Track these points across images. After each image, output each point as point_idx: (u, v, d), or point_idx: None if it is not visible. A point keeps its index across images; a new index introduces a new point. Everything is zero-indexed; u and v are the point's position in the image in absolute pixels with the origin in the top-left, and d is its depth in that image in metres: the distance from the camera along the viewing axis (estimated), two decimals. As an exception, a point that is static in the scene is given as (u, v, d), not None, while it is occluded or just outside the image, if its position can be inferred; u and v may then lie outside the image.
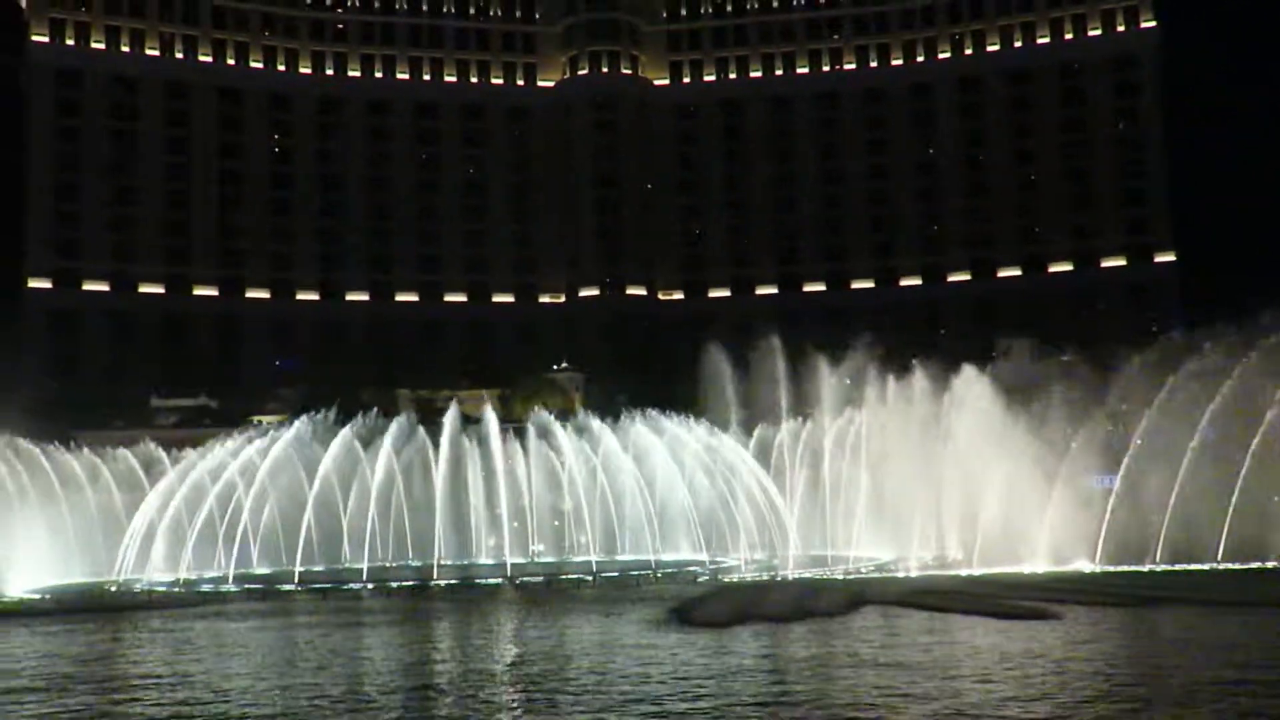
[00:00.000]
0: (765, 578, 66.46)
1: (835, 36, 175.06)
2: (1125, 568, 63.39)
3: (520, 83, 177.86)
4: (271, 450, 74.95)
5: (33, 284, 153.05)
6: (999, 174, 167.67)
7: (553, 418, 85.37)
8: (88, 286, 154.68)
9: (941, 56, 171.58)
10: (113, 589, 68.51)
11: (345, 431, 76.51)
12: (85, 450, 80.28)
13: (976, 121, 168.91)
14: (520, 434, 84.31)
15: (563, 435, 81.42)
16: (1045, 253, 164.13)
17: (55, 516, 76.13)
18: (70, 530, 76.67)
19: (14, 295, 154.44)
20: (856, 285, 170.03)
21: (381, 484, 76.25)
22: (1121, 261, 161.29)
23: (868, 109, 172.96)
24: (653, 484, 77.85)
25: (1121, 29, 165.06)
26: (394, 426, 78.18)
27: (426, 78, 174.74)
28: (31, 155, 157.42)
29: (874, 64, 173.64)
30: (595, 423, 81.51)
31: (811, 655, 33.51)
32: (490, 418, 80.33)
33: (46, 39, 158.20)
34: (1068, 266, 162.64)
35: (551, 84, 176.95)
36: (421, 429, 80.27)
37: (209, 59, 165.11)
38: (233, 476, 74.64)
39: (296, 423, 79.07)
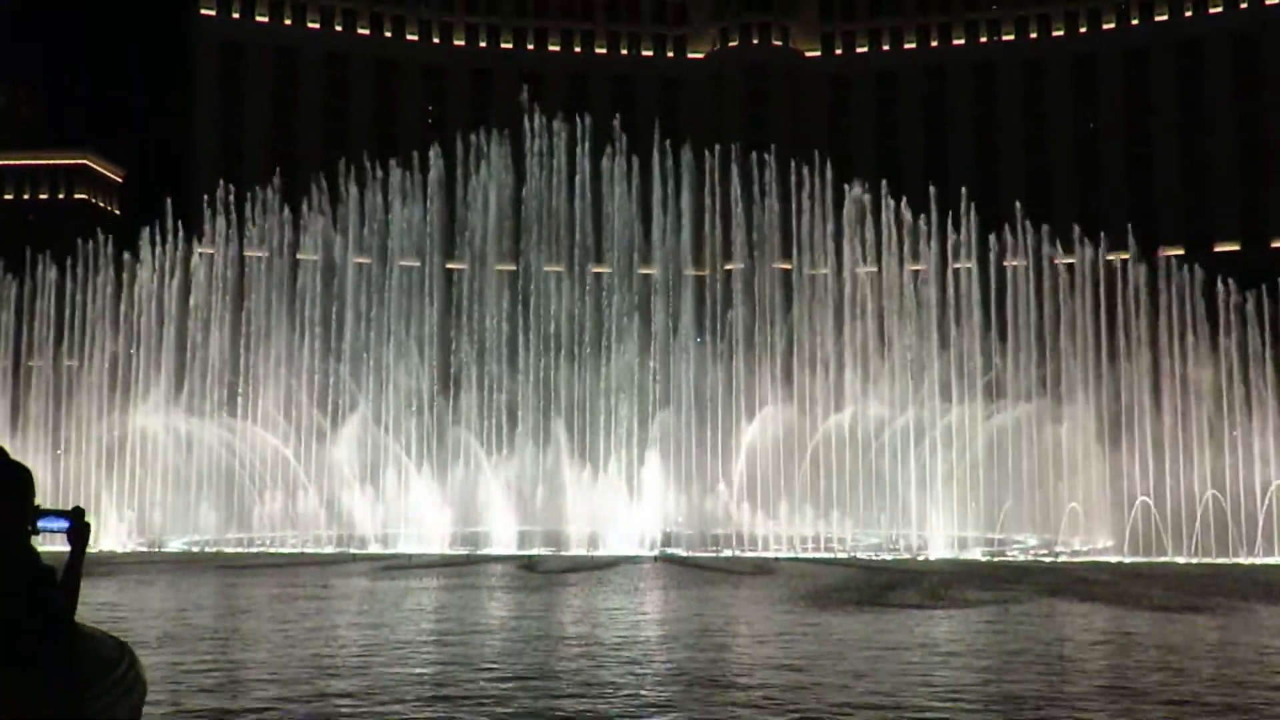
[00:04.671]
0: (909, 558, 65.96)
1: (994, 6, 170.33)
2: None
3: (670, 54, 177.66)
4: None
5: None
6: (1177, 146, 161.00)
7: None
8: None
9: (1106, 28, 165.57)
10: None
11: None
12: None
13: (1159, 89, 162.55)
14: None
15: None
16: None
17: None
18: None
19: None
20: (1009, 263, 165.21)
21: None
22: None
23: (1027, 81, 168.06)
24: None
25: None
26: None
27: (578, 50, 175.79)
28: None
29: (1034, 35, 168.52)
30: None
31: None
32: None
33: None
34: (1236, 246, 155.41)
35: (702, 55, 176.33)
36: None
37: None
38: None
39: None
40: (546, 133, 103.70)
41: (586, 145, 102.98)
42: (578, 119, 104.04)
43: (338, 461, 77.62)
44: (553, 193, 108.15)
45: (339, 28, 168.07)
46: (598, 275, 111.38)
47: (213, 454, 79.30)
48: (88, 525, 4.35)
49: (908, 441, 76.24)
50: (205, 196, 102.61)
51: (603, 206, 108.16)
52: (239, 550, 70.71)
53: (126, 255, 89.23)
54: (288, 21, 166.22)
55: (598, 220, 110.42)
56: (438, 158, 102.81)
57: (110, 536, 71.93)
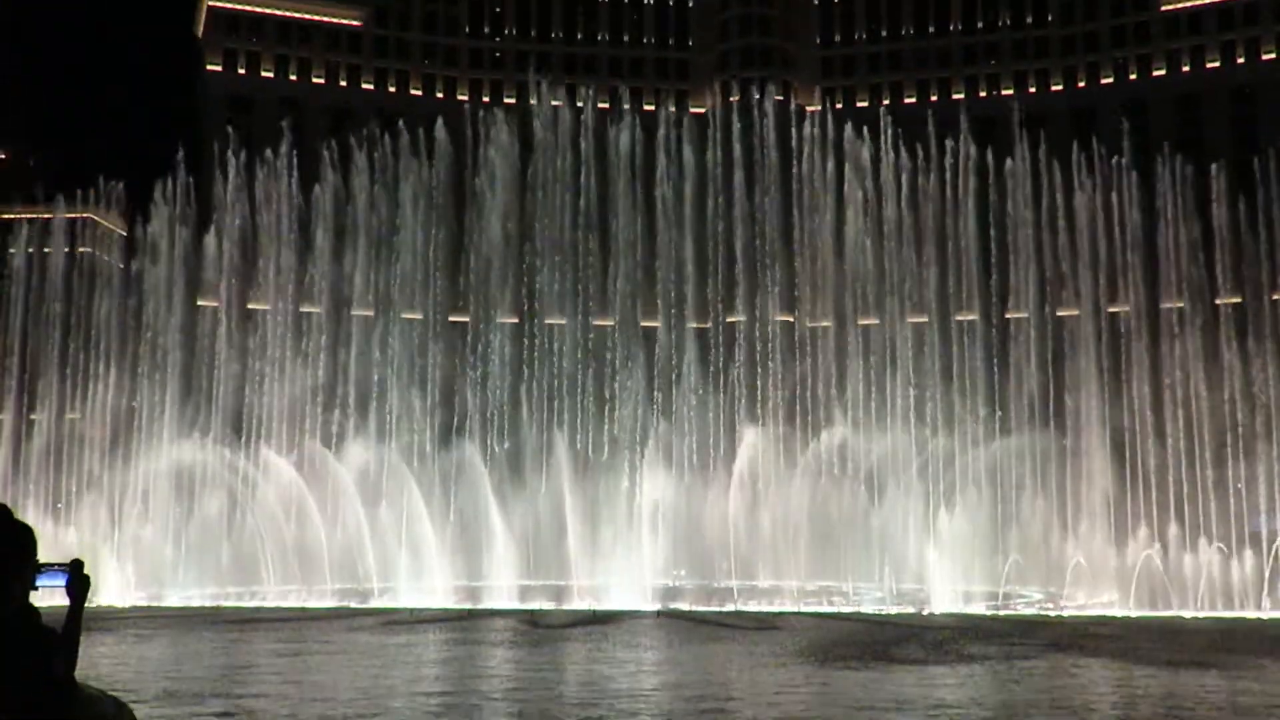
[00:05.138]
0: (913, 612, 65.46)
1: (992, 61, 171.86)
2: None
3: (672, 109, 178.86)
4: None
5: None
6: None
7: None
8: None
9: (1105, 81, 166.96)
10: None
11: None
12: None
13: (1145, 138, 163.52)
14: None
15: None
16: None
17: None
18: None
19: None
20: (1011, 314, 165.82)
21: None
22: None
23: (1029, 134, 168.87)
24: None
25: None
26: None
27: (580, 104, 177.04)
28: None
29: (1033, 89, 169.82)
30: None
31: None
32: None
33: None
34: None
35: (703, 110, 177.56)
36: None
37: None
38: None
39: None
40: (552, 182, 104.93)
41: (591, 189, 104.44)
42: (581, 167, 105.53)
43: (344, 505, 77.33)
44: (560, 235, 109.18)
45: (343, 82, 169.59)
46: (601, 327, 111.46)
47: (215, 505, 79.07)
48: (87, 579, 4.30)
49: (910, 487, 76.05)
50: (212, 249, 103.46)
51: (609, 247, 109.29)
52: (239, 604, 70.29)
53: (132, 308, 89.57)
54: (293, 77, 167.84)
55: (603, 266, 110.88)
56: (443, 210, 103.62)
57: (110, 590, 71.49)
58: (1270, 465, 77.56)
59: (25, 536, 3.76)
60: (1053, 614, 65.69)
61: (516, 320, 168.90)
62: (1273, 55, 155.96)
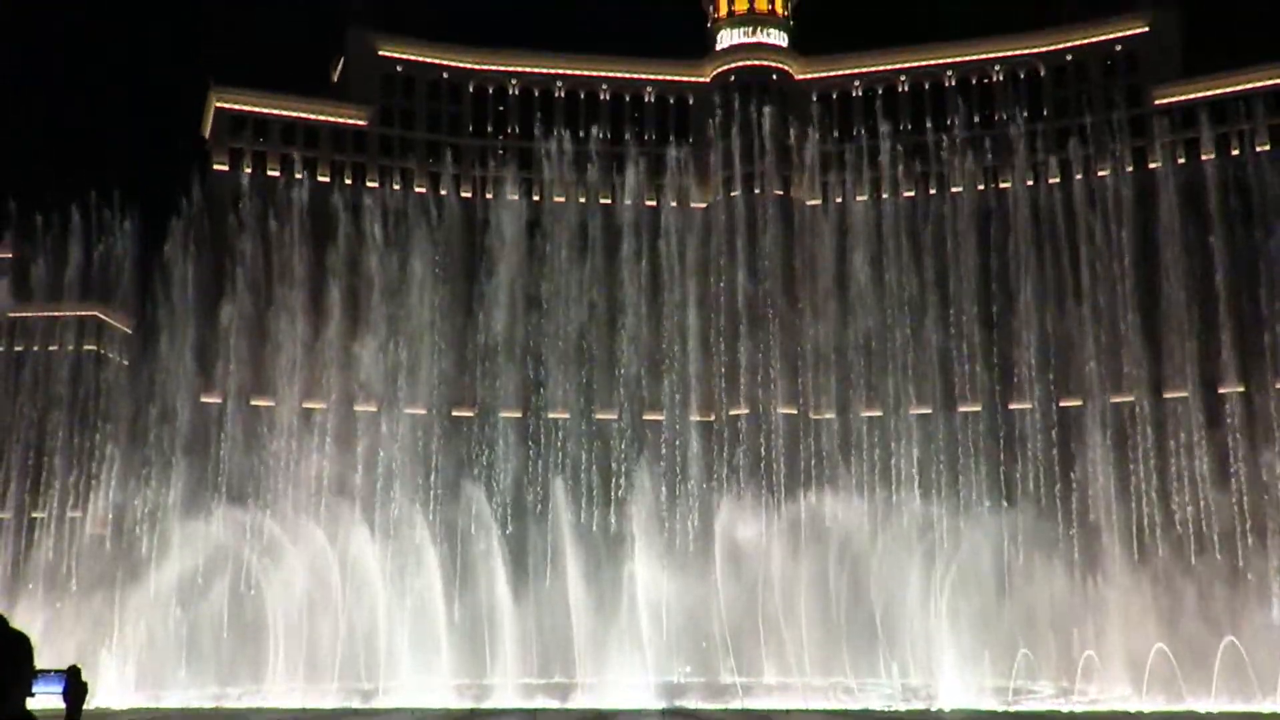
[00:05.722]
0: (922, 708, 64.57)
1: (989, 155, 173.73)
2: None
3: (674, 204, 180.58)
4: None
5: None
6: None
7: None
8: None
9: (1100, 174, 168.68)
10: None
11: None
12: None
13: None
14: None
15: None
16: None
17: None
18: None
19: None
20: (1014, 406, 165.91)
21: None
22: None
23: (1032, 227, 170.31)
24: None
25: None
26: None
27: (582, 200, 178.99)
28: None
29: (1030, 182, 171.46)
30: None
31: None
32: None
33: None
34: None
35: (704, 206, 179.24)
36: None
37: None
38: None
39: None
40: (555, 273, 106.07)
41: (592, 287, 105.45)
42: (586, 259, 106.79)
43: (354, 599, 76.56)
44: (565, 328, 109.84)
45: (349, 181, 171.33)
46: (603, 421, 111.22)
47: (218, 604, 78.42)
48: (84, 684, 4.27)
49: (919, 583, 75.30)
50: (218, 345, 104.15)
51: (614, 341, 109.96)
52: (240, 705, 69.30)
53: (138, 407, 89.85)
54: (299, 175, 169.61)
55: (609, 363, 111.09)
56: (447, 304, 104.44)
57: (108, 691, 70.54)
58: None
59: (22, 645, 3.74)
60: (1065, 709, 64.67)
61: (520, 415, 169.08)
62: (1267, 147, 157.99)
